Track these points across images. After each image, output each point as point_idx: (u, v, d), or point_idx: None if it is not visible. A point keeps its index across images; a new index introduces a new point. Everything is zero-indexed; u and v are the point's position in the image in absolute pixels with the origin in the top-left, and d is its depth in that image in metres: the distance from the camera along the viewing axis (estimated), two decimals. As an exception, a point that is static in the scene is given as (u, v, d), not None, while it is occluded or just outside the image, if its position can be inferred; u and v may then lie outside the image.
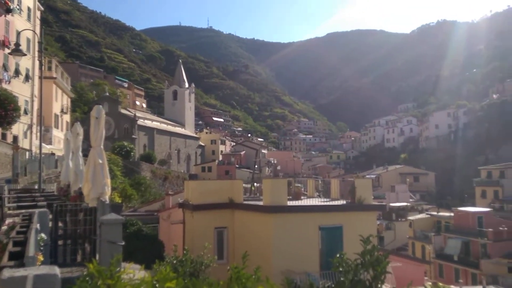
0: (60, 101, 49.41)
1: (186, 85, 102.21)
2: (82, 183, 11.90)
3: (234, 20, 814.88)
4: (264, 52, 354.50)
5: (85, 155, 12.57)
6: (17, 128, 34.34)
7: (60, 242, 8.92)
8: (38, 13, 40.80)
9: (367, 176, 68.32)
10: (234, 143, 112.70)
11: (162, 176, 64.46)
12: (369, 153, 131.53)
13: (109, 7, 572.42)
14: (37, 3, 40.30)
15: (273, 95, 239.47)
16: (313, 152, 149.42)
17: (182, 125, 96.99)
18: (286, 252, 15.77)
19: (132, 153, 60.52)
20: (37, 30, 36.72)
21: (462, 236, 41.73)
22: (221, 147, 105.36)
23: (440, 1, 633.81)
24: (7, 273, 3.04)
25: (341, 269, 6.00)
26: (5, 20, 33.23)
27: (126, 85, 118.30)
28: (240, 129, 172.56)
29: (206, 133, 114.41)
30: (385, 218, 51.76)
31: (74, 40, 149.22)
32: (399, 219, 52.05)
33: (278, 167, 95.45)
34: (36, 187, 20.01)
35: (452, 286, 24.13)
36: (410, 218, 51.60)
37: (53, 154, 33.35)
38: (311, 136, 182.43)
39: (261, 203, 17.66)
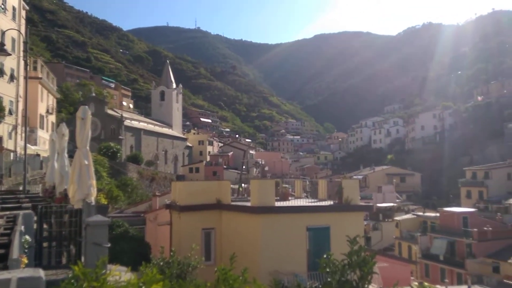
0: (45, 102, 48.80)
1: (174, 85, 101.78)
2: (68, 184, 11.77)
3: (222, 21, 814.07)
4: (252, 53, 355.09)
5: (71, 156, 12.43)
6: (2, 129, 33.85)
7: (45, 244, 8.80)
8: (23, 13, 40.26)
9: (354, 176, 68.74)
10: (222, 144, 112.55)
11: (149, 177, 64.04)
12: (356, 154, 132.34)
13: (95, 7, 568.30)
14: (22, 2, 39.78)
15: (261, 96, 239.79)
16: (300, 153, 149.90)
17: (169, 125, 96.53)
18: (274, 253, 15.78)
19: (118, 154, 60.01)
20: (22, 30, 36.23)
21: (448, 236, 42.19)
22: (209, 148, 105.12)
23: (426, 4, 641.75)
24: (-11, 276, 2.99)
25: (328, 269, 6.02)
26: (-11, 19, 32.73)
27: (113, 85, 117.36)
28: (227, 130, 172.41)
29: (194, 133, 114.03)
30: (372, 218, 52.12)
31: (60, 40, 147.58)
32: (386, 220, 52.46)
33: (266, 168, 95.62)
34: (21, 188, 19.74)
35: (438, 286, 24.39)
36: (397, 218, 52.04)
37: (38, 155, 32.94)
38: (298, 137, 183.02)
39: (248, 204, 17.65)
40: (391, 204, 57.97)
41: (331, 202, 18.60)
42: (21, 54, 34.38)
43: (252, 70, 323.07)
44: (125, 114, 78.41)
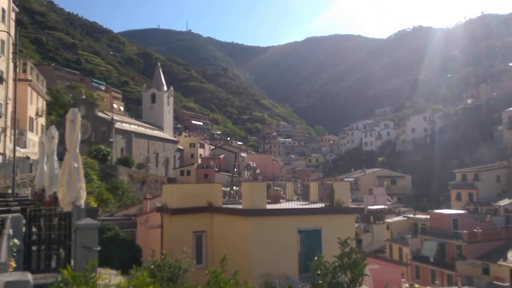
0: (35, 104, 48.38)
1: (165, 88, 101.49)
2: (57, 187, 11.67)
3: (213, 23, 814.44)
4: (243, 56, 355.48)
5: (61, 158, 12.34)
6: (-10, 131, 33.44)
7: (34, 248, 8.73)
8: (12, 15, 39.90)
9: (345, 179, 69.18)
10: (213, 147, 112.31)
11: (140, 180, 63.75)
12: (348, 156, 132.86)
13: (86, 9, 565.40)
14: (12, 4, 39.43)
15: (252, 99, 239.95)
16: (292, 156, 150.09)
17: (160, 128, 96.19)
18: (265, 256, 15.76)
19: (109, 157, 59.68)
20: (12, 32, 35.88)
21: (438, 238, 42.48)
22: (200, 151, 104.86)
23: (416, 8, 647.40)
24: (-24, 280, 2.95)
25: (319, 272, 6.03)
26: (-23, 21, 32.40)
27: (103, 88, 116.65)
28: (219, 132, 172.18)
29: (185, 136, 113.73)
30: (363, 220, 52.34)
31: (50, 42, 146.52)
32: (377, 222, 52.70)
33: (257, 171, 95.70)
34: (10, 191, 19.54)
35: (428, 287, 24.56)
36: (388, 220, 52.32)
37: (28, 157, 32.63)
38: (290, 139, 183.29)
39: (240, 206, 17.62)
40: (382, 207, 58.28)
41: (323, 205, 18.64)
42: (11, 56, 34.05)
43: (244, 73, 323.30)
44: (115, 117, 77.98)
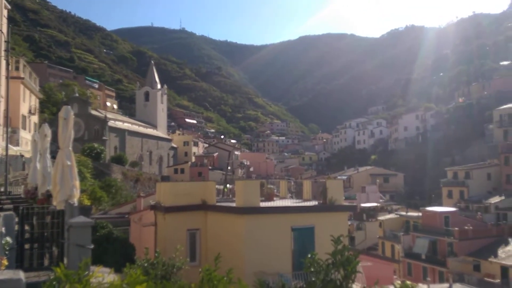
0: (28, 102, 48.08)
1: (158, 86, 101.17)
2: (50, 185, 11.63)
3: (207, 22, 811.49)
4: (237, 54, 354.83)
5: (54, 157, 12.30)
6: (-18, 130, 33.19)
7: (26, 246, 8.70)
8: (5, 12, 39.57)
9: (338, 177, 69.25)
10: (207, 145, 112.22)
11: (134, 178, 63.55)
12: (341, 154, 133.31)
13: (79, 6, 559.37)
14: (4, 1, 39.12)
15: (246, 97, 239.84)
16: (285, 154, 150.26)
17: (154, 126, 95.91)
18: (259, 253, 15.80)
19: (102, 155, 59.43)
20: (4, 29, 35.61)
21: (430, 235, 42.83)
22: (194, 149, 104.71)
23: (409, 7, 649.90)
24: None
25: (312, 269, 6.07)
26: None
27: (96, 86, 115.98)
28: (213, 130, 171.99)
29: (179, 134, 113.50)
30: (356, 218, 52.61)
31: (43, 40, 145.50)
32: (370, 220, 53.00)
33: (251, 169, 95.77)
34: (2, 189, 19.43)
35: (420, 284, 24.74)
36: (380, 218, 52.63)
37: (22, 155, 32.44)
38: (283, 137, 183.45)
39: (233, 204, 17.65)
40: (375, 204, 58.60)
41: (316, 203, 18.71)
42: (3, 53, 33.79)
43: (237, 71, 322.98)
44: (109, 115, 77.62)
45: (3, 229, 7.34)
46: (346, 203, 20.99)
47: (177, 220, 18.01)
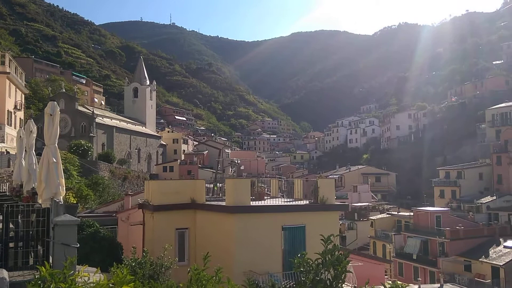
0: (13, 98, 47.42)
1: (147, 82, 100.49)
2: (36, 183, 11.39)
3: (197, 17, 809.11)
4: (228, 51, 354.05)
5: (39, 153, 12.04)
6: (-33, 125, 32.59)
7: (11, 245, 8.50)
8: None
9: (330, 176, 69.63)
10: (197, 143, 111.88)
11: (122, 176, 63.09)
12: (332, 153, 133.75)
13: (66, 0, 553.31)
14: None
15: (237, 94, 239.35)
16: (277, 152, 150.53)
17: (143, 123, 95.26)
18: (249, 253, 15.67)
19: (89, 152, 58.84)
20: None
21: (421, 235, 42.95)
22: (184, 147, 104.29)
23: (402, 5, 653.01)
24: None
25: (302, 269, 5.96)
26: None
27: (84, 81, 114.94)
28: (203, 128, 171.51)
29: (168, 132, 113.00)
30: (347, 218, 52.77)
31: (30, 34, 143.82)
32: (361, 219, 53.19)
33: (242, 167, 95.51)
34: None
35: (411, 285, 24.79)
36: (372, 217, 52.81)
37: (8, 152, 31.96)
38: (275, 136, 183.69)
39: (223, 203, 17.48)
40: (366, 204, 58.87)
41: (307, 202, 18.61)
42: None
43: (228, 68, 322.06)
44: (96, 111, 76.91)
45: (-14, 228, 7.12)
46: (337, 203, 20.91)
47: (165, 219, 17.80)
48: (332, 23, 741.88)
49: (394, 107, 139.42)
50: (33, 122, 14.16)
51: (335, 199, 19.30)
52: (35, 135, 13.86)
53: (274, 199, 19.61)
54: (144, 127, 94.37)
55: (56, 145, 10.33)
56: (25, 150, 14.36)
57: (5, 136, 43.16)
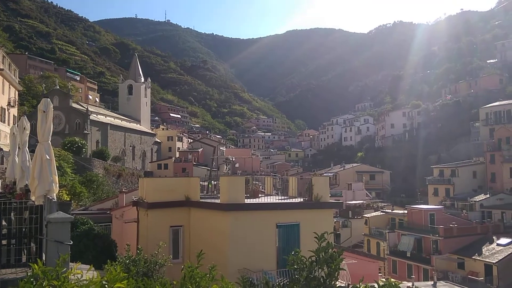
0: (7, 94, 47.14)
1: (142, 79, 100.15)
2: (29, 180, 11.32)
3: (192, 14, 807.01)
4: (223, 48, 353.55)
5: (33, 151, 11.97)
6: (-41, 122, 32.36)
7: (4, 242, 8.47)
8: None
9: (324, 174, 69.60)
10: (192, 140, 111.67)
11: (116, 173, 62.91)
12: (327, 151, 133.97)
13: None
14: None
15: (232, 92, 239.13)
16: (271, 150, 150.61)
17: (137, 120, 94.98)
18: (243, 250, 15.67)
19: (84, 149, 58.60)
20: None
21: (415, 233, 43.12)
22: (178, 144, 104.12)
23: (397, 3, 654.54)
24: None
25: (296, 266, 5.97)
26: None
27: (78, 78, 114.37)
28: (198, 125, 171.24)
29: (163, 129, 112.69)
30: (342, 215, 52.88)
31: (24, 31, 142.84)
32: (355, 217, 53.33)
33: (237, 165, 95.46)
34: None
35: (404, 282, 24.90)
36: (366, 215, 52.97)
37: (1, 149, 31.76)
38: (270, 133, 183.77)
39: (218, 201, 17.47)
40: (361, 202, 59.02)
41: (301, 199, 18.64)
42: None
43: (223, 65, 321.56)
44: (91, 108, 76.58)
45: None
46: (332, 200, 20.97)
47: (160, 217, 17.77)
48: (327, 21, 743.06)
49: (388, 105, 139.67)
50: (26, 119, 14.05)
51: (330, 197, 19.34)
52: (28, 132, 13.77)
53: (269, 197, 19.62)
54: (138, 125, 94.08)
55: (50, 142, 10.27)
56: (19, 147, 14.26)
57: (-1, 133, 42.88)
